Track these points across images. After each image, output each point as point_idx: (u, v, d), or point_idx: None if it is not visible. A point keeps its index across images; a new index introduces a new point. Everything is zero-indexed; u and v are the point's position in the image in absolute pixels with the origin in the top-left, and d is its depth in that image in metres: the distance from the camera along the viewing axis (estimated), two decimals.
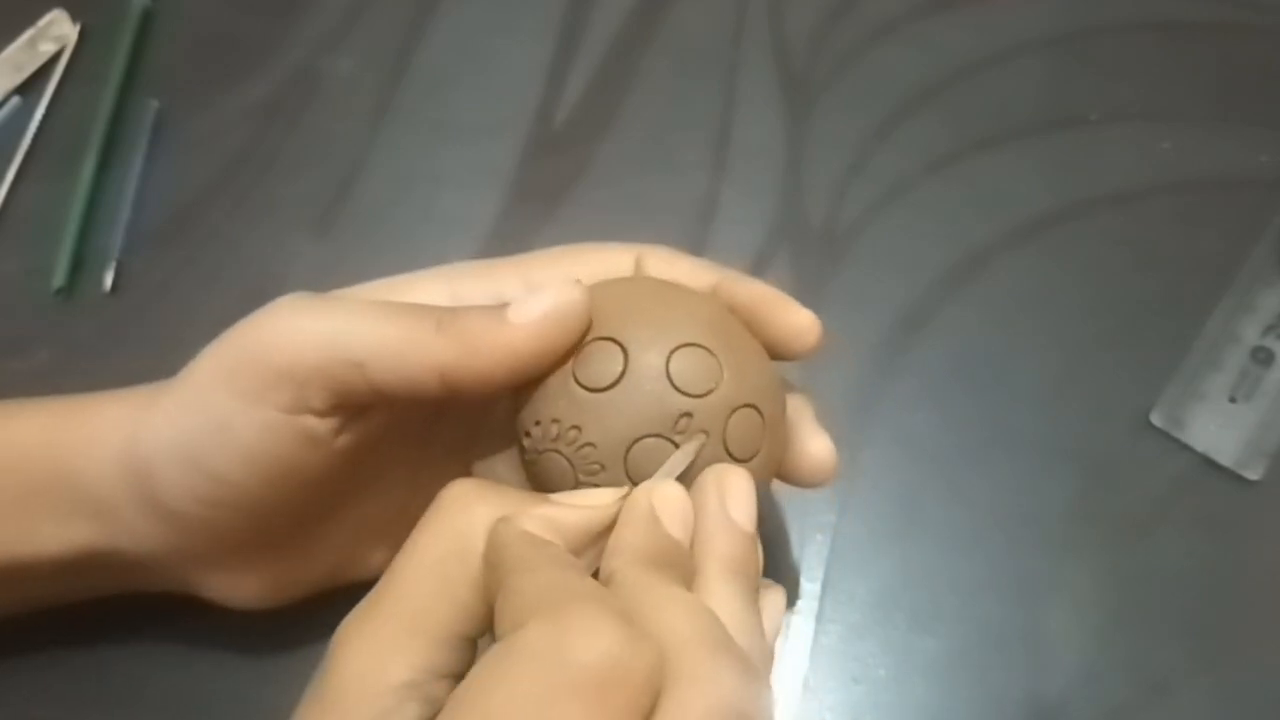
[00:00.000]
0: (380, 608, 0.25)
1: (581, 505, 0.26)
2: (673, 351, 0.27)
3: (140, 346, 0.41)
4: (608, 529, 0.26)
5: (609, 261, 0.31)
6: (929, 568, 0.38)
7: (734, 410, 0.27)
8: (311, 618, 0.33)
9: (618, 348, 0.27)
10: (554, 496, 0.27)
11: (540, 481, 0.28)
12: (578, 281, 0.27)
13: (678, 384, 0.27)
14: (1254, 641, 0.37)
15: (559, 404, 0.27)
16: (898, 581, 0.37)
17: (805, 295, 0.42)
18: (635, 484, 0.27)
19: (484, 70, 0.47)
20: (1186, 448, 0.39)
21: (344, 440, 0.29)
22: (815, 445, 0.30)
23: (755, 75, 0.46)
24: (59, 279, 0.42)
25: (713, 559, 0.26)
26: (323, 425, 0.28)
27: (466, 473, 0.32)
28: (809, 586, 0.37)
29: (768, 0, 0.48)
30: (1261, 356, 0.40)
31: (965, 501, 0.38)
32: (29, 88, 0.46)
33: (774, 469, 0.29)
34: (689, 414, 0.27)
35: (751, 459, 0.28)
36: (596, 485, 0.27)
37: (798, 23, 0.48)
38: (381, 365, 0.27)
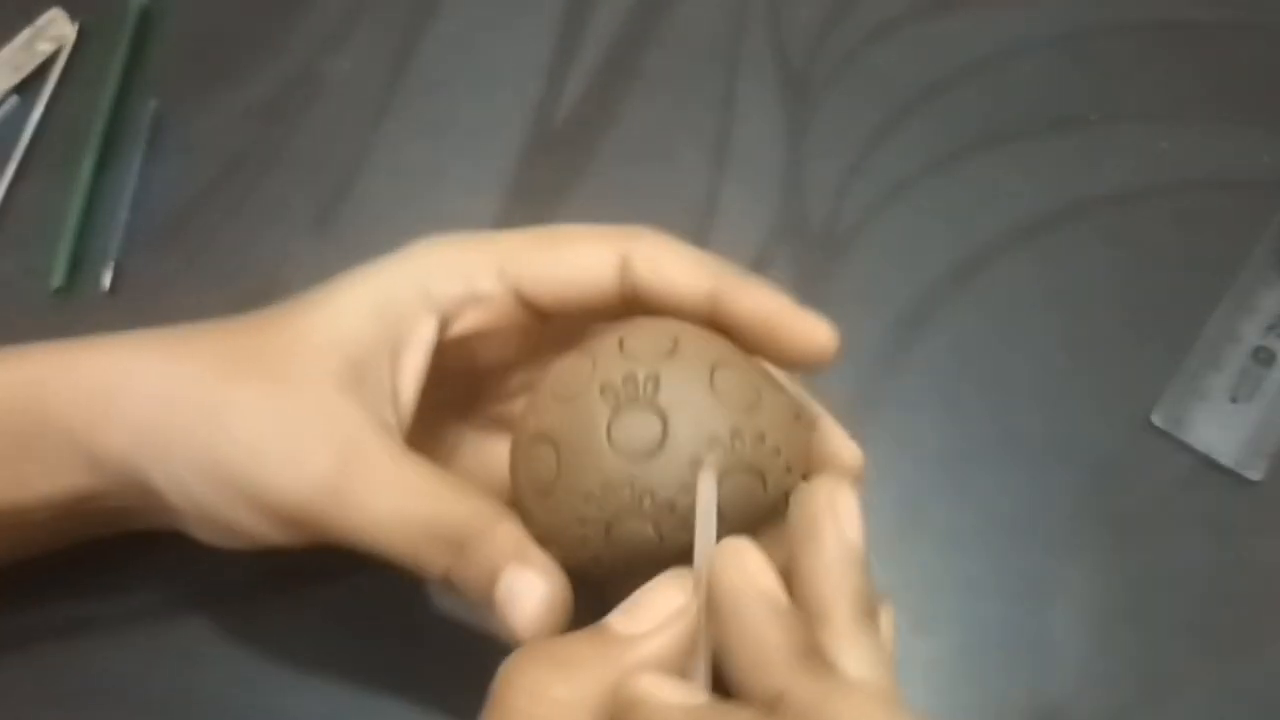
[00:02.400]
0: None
1: (655, 627, 0.24)
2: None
3: None
4: (694, 626, 0.25)
5: (587, 259, 0.30)
6: (929, 568, 0.37)
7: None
8: (310, 618, 0.33)
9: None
10: (617, 627, 0.25)
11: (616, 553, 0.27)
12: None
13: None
14: (1254, 641, 0.36)
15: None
16: (898, 581, 0.37)
17: (805, 295, 0.42)
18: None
19: (484, 69, 0.47)
20: (1187, 448, 0.39)
21: None
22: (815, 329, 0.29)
23: (755, 75, 0.46)
24: (57, 279, 0.42)
25: (845, 599, 0.24)
26: None
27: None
28: None
29: (767, 0, 0.48)
30: (1262, 356, 0.40)
31: (966, 501, 0.38)
32: (27, 87, 0.46)
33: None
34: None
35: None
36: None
37: (798, 22, 0.48)
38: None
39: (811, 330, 0.28)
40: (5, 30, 0.46)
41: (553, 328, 0.32)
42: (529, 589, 0.27)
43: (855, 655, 0.24)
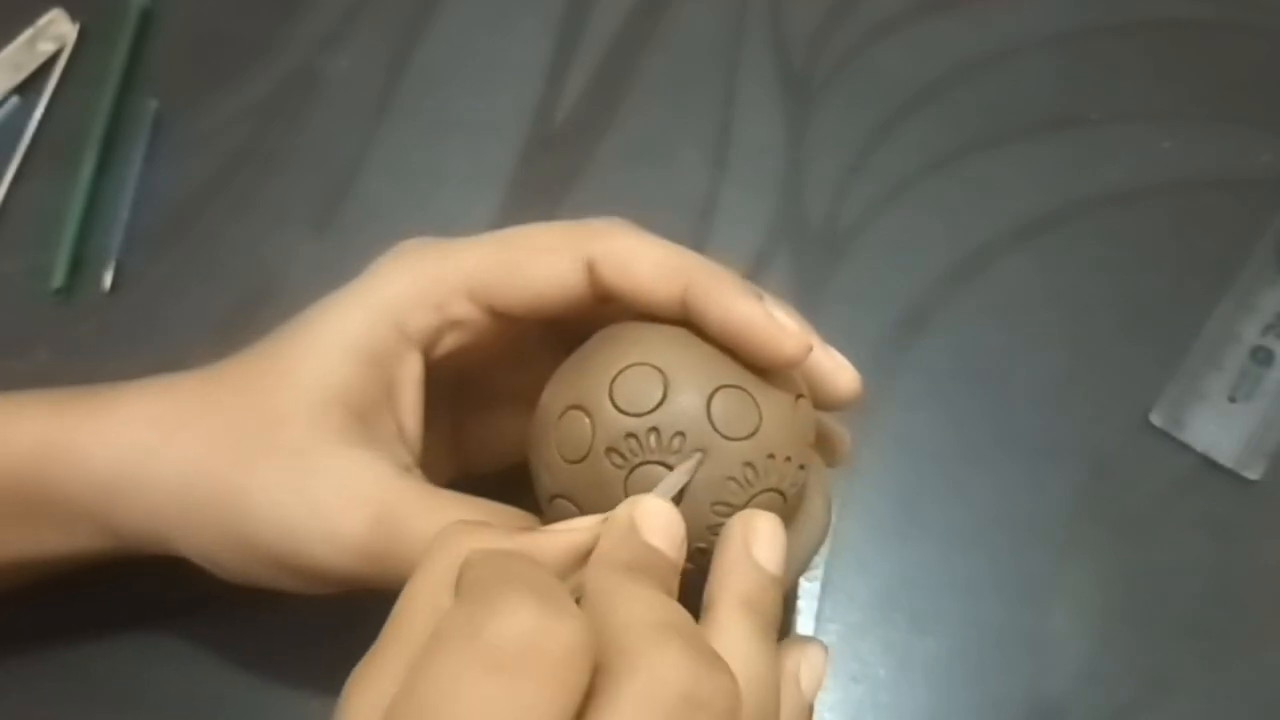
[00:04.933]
0: (382, 654, 0.24)
1: (562, 530, 0.25)
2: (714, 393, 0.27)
3: (140, 346, 0.41)
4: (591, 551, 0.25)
5: (551, 269, 0.29)
6: (929, 568, 0.37)
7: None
8: (310, 619, 0.33)
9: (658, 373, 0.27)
10: (541, 527, 0.26)
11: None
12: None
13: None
14: (1254, 641, 0.37)
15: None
16: (898, 581, 0.37)
17: (806, 294, 0.42)
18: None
19: (483, 68, 0.47)
20: (1186, 447, 0.39)
21: None
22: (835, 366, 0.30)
23: (755, 75, 0.46)
24: (58, 279, 0.42)
25: (727, 593, 0.25)
26: None
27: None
28: (809, 586, 0.37)
29: (768, 0, 0.48)
30: (1261, 356, 0.40)
31: (966, 501, 0.38)
32: (28, 87, 0.46)
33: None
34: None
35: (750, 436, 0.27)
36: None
37: (798, 22, 0.48)
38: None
39: (778, 343, 0.27)
40: (6, 30, 0.46)
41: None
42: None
43: (721, 640, 0.24)
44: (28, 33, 0.46)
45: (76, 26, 0.47)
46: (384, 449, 0.29)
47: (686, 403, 0.26)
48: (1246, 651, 0.36)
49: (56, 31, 0.47)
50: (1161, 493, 0.39)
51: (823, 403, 0.30)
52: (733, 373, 0.27)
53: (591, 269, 0.29)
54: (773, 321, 0.27)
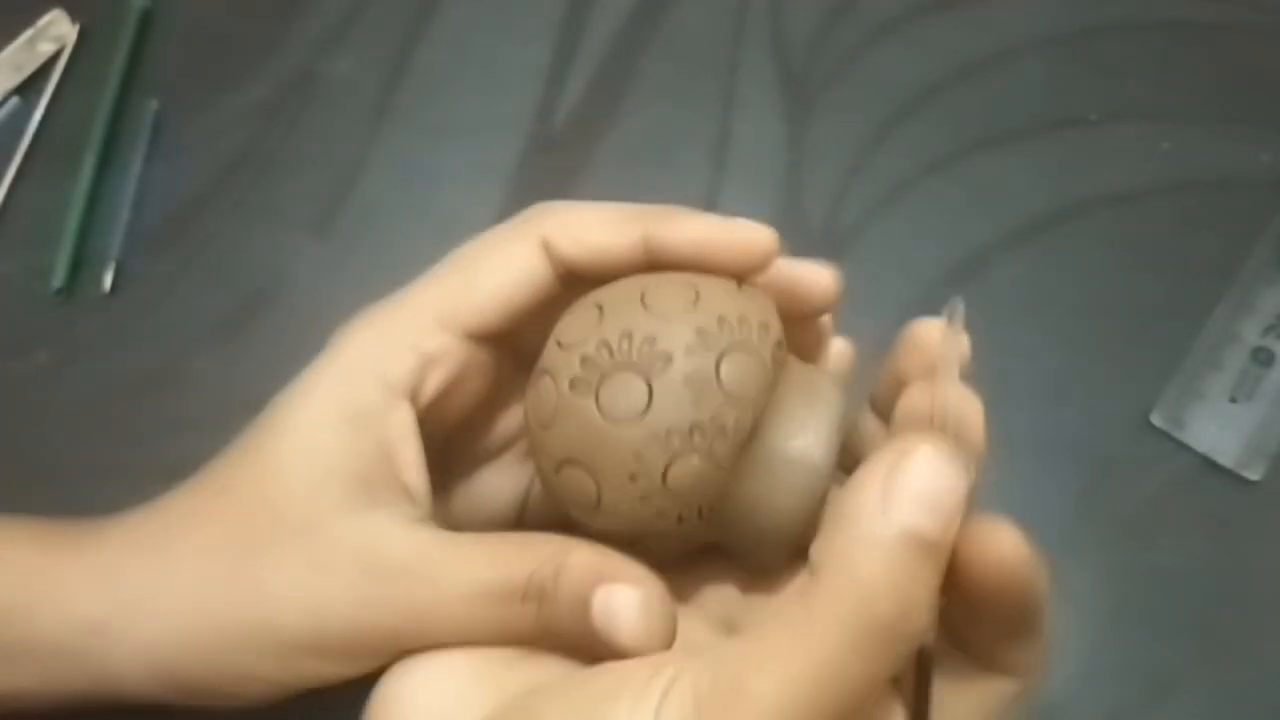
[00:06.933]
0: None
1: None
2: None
3: (140, 347, 0.41)
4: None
5: (508, 265, 0.29)
6: None
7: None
8: None
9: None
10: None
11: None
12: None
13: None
14: (1254, 641, 0.36)
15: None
16: None
17: None
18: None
19: (484, 70, 0.47)
20: (1186, 448, 0.39)
21: None
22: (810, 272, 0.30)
23: (755, 75, 0.46)
24: (59, 279, 0.42)
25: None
26: None
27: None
28: None
29: (768, 0, 0.48)
30: (1262, 357, 0.40)
31: None
32: (28, 88, 0.46)
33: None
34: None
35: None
36: None
37: (798, 23, 0.48)
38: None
39: (749, 239, 0.28)
40: (6, 31, 0.46)
41: (511, 346, 0.31)
42: (623, 603, 0.26)
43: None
44: (28, 33, 0.46)
45: (76, 27, 0.47)
46: (394, 510, 0.28)
47: (624, 308, 0.27)
48: (1246, 651, 0.36)
49: (56, 32, 0.47)
50: (1161, 493, 0.39)
51: (812, 309, 0.30)
52: (667, 274, 0.28)
53: (548, 247, 0.29)
54: (737, 224, 0.28)
